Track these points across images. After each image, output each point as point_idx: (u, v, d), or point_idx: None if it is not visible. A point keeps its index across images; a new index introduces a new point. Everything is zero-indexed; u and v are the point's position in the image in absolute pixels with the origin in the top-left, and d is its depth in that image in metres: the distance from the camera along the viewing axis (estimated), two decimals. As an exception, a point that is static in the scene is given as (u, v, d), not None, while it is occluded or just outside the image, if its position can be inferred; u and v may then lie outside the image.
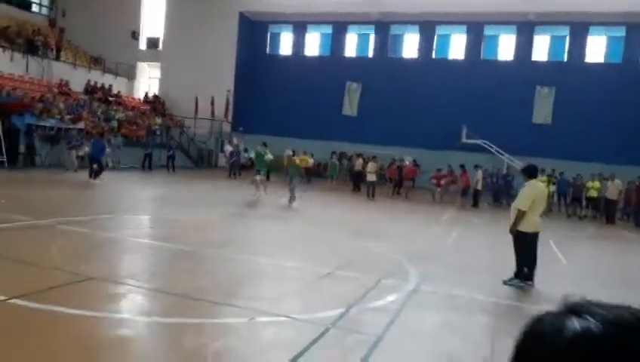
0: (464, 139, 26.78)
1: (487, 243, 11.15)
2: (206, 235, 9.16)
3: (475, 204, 19.67)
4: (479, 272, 7.93)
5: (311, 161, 25.57)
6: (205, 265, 7.10)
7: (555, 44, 28.01)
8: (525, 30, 27.80)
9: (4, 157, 18.09)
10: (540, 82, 25.67)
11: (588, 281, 8.10)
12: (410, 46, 30.53)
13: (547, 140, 25.11)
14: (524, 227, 6.97)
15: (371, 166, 19.71)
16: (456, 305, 6.03)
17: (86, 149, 18.98)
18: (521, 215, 6.91)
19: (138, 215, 11.43)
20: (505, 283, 7.04)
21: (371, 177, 19.23)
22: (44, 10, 35.51)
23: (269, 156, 16.34)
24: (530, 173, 7.31)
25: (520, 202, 7.00)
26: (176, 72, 32.38)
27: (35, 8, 34.95)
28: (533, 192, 7.05)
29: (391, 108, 28.47)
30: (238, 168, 24.66)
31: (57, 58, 28.30)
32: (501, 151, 26.10)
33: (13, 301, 4.63)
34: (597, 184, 18.84)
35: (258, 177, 15.73)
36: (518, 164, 23.78)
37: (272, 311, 5.07)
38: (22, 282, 5.32)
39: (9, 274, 5.66)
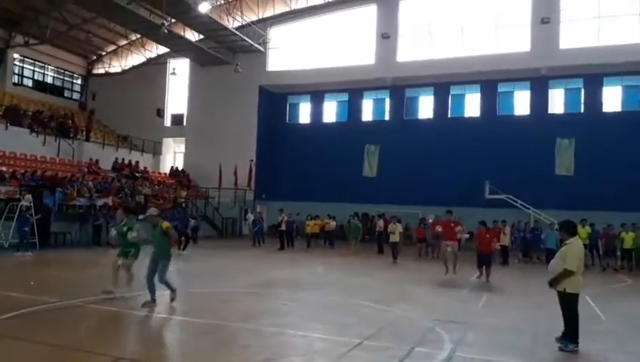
0: (488, 195, 26.53)
1: (520, 303, 10.75)
2: (233, 308, 9.06)
3: (505, 261, 19.15)
4: (515, 334, 7.60)
5: (333, 223, 25.54)
6: (233, 339, 6.97)
7: (571, 96, 28.18)
8: (539, 85, 28.10)
9: (36, 238, 18.48)
10: (559, 134, 25.66)
11: (629, 338, 7.68)
12: (425, 107, 31.06)
13: (572, 191, 24.71)
14: (573, 288, 6.63)
15: (392, 227, 18.93)
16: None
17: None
18: (567, 275, 6.58)
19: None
20: (558, 340, 6.71)
21: (394, 238, 18.53)
22: (75, 95, 37.41)
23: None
24: (571, 230, 6.98)
25: (569, 262, 6.61)
26: (200, 145, 33.40)
27: (67, 94, 36.87)
28: (578, 251, 6.76)
29: (411, 167, 28.61)
30: (262, 236, 24.67)
31: (87, 139, 29.48)
32: (526, 205, 25.72)
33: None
34: (631, 234, 18.21)
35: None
36: (546, 217, 23.35)
37: None
38: None
39: (38, 360, 5.63)
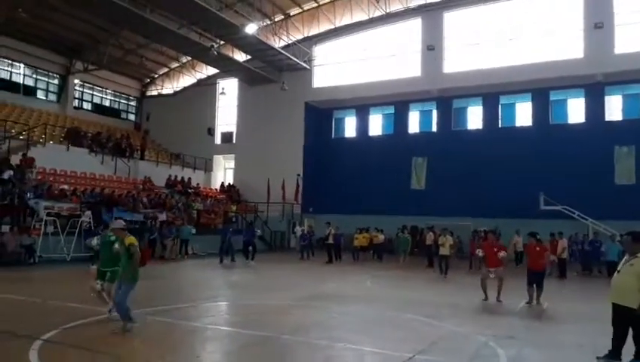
0: (543, 206, 25.59)
1: (580, 319, 10.24)
2: (283, 320, 9.08)
3: (563, 274, 18.36)
4: (575, 351, 7.23)
5: (381, 237, 25.26)
6: (284, 352, 6.97)
7: (629, 102, 26.89)
8: (595, 91, 27.01)
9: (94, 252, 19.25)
10: (618, 142, 24.49)
11: None
12: (474, 117, 30.41)
13: (633, 201, 23.46)
14: None
15: (442, 239, 18.23)
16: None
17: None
18: None
19: (216, 302, 11.59)
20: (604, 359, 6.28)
21: (444, 251, 17.88)
22: (131, 116, 39.01)
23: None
24: None
25: None
26: (248, 161, 34.05)
27: (123, 115, 38.52)
28: None
29: (460, 179, 27.99)
30: (311, 249, 24.71)
31: (142, 157, 30.59)
32: (584, 216, 24.62)
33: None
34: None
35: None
36: (605, 228, 22.25)
37: None
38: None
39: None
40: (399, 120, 32.05)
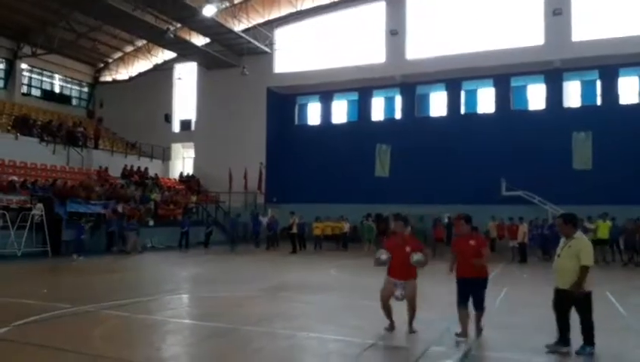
0: (504, 192, 26.38)
1: (539, 301, 10.69)
2: (247, 311, 9.12)
3: (524, 259, 19.04)
4: (533, 333, 7.57)
5: (346, 225, 25.53)
6: (246, 342, 7.03)
7: (586, 88, 27.92)
8: (553, 78, 27.90)
9: (48, 246, 18.77)
10: (575, 128, 25.42)
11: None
12: (437, 104, 30.95)
13: (590, 185, 24.45)
14: (591, 285, 6.24)
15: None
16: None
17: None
18: (586, 272, 6.12)
19: (178, 294, 11.53)
20: (552, 350, 6.32)
21: None
22: (83, 103, 37.87)
23: None
24: (576, 222, 6.55)
25: (586, 258, 6.15)
26: (209, 149, 33.66)
27: (75, 102, 37.34)
28: (589, 244, 6.36)
29: (424, 166, 28.53)
30: (276, 240, 24.81)
31: (96, 147, 29.83)
32: (543, 201, 25.52)
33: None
34: (651, 228, 18.02)
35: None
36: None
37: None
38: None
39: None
40: (363, 106, 32.29)
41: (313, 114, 34.13)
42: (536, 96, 28.92)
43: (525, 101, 29.18)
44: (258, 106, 32.61)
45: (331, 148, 31.25)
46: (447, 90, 30.41)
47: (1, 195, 19.31)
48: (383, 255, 7.24)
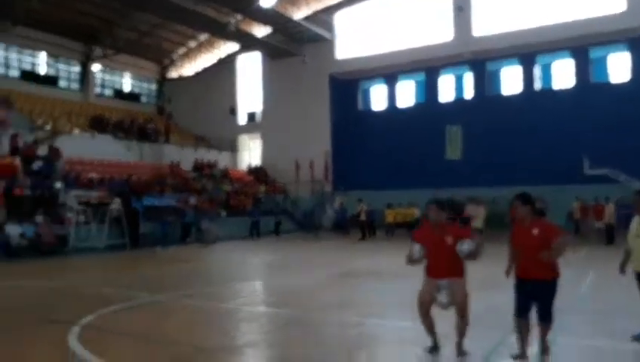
0: (587, 171, 25.02)
1: (630, 285, 10.07)
2: (317, 298, 9.23)
3: (610, 241, 18.01)
4: (624, 319, 7.14)
5: (416, 211, 25.10)
6: (318, 329, 7.12)
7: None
8: (638, 45, 26.00)
9: (127, 239, 19.87)
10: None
11: None
12: (509, 80, 29.73)
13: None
14: None
15: (474, 209, 17.36)
16: (599, 358, 5.46)
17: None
18: None
19: (250, 282, 11.86)
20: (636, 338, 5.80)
21: (476, 223, 16.90)
22: (152, 100, 39.54)
23: None
24: None
25: None
26: (274, 140, 34.23)
27: (144, 99, 39.06)
28: None
29: (497, 146, 27.55)
30: (345, 227, 24.94)
31: (167, 141, 31.12)
32: (630, 179, 23.97)
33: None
34: None
35: None
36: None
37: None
38: (144, 358, 5.67)
39: (133, 351, 6.07)
40: (430, 87, 31.59)
41: (378, 98, 33.80)
42: (618, 67, 27.08)
43: (606, 73, 27.42)
44: (321, 94, 32.72)
45: (398, 132, 30.83)
46: (520, 64, 29.12)
47: (82, 192, 20.59)
48: (415, 249, 5.61)
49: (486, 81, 30.04)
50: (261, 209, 27.15)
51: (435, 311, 5.52)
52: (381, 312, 7.96)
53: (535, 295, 5.25)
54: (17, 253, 16.35)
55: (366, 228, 23.24)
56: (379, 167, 30.90)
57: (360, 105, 34.01)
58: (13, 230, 16.72)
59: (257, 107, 36.33)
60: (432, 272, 5.55)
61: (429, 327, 5.60)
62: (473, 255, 5.33)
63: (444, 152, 28.43)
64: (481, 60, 29.65)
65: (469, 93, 30.60)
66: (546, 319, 5.29)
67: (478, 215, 17.34)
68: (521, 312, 5.32)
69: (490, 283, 8.24)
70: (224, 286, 11.08)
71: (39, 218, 17.71)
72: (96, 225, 19.50)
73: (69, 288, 10.98)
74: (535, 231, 5.25)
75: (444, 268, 5.43)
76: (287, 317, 7.83)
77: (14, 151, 20.42)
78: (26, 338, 6.67)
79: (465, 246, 5.33)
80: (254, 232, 24.31)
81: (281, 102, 34.00)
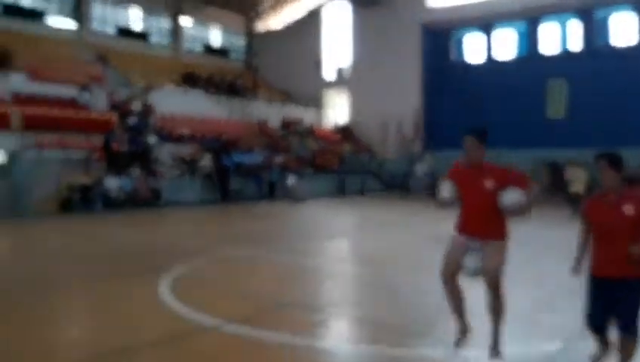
0: None
1: None
2: (403, 260, 9.18)
3: None
4: None
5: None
6: (405, 291, 7.08)
7: None
8: None
9: (218, 194, 20.83)
10: None
11: None
12: (620, 30, 27.09)
13: None
14: None
15: (572, 173, 16.26)
16: None
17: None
18: None
19: (336, 240, 12.02)
20: None
21: (575, 188, 15.92)
22: (240, 56, 40.24)
23: None
24: None
25: None
26: (361, 95, 33.83)
27: (232, 55, 39.86)
28: None
29: (606, 104, 25.43)
30: (432, 188, 24.44)
31: (254, 97, 31.77)
32: None
33: (222, 327, 5.18)
34: None
35: None
36: None
37: (475, 343, 4.79)
38: (231, 309, 5.93)
39: (219, 301, 6.37)
40: (531, 37, 29.56)
41: (473, 50, 32.19)
42: None
43: None
44: (412, 46, 31.69)
45: (495, 86, 29.30)
46: (633, 11, 26.38)
47: (174, 147, 21.67)
48: (445, 188, 4.56)
49: (594, 30, 27.58)
50: (346, 168, 27.23)
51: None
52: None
53: (618, 297, 3.73)
54: (115, 205, 17.64)
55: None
56: (472, 124, 29.61)
57: (453, 58, 32.61)
58: (111, 183, 18.02)
59: (345, 61, 35.93)
60: (462, 226, 4.40)
61: (455, 306, 4.41)
62: (520, 210, 4.13)
63: (546, 110, 26.79)
64: (589, 6, 27.16)
65: (574, 44, 28.29)
66: (629, 330, 3.69)
67: (578, 179, 16.23)
68: (597, 320, 3.89)
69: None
70: (310, 243, 11.33)
71: (135, 172, 18.91)
72: (188, 180, 20.55)
73: (161, 239, 11.73)
74: (627, 209, 3.72)
75: (479, 223, 4.27)
76: (370, 278, 7.87)
77: (111, 107, 21.78)
78: (120, 285, 7.22)
79: (508, 197, 4.11)
80: (340, 191, 24.52)
81: (369, 56, 33.35)
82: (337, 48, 36.19)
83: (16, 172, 16.78)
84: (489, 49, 31.05)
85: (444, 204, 4.56)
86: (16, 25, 26.02)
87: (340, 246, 11.56)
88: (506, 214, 4.22)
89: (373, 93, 32.61)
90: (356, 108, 34.75)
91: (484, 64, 31.03)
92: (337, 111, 37.28)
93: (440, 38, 32.20)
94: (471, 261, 4.24)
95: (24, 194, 16.32)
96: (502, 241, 4.25)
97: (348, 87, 35.40)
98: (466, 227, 4.36)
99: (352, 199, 23.93)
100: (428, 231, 13.09)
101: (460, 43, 32.58)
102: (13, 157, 17.25)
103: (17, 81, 19.88)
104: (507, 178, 4.26)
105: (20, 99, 19.18)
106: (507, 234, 4.30)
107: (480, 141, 4.50)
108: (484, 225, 4.26)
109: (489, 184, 4.25)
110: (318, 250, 10.69)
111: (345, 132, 33.71)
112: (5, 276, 8.03)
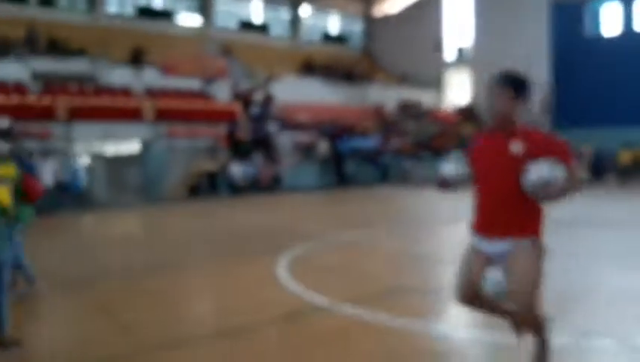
0: None
1: None
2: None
3: None
4: None
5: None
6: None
7: None
8: None
9: (336, 178, 21.26)
10: None
11: None
12: None
13: None
14: None
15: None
16: None
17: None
18: None
19: (455, 225, 11.71)
20: None
21: None
22: (357, 42, 40.29)
23: None
24: None
25: None
26: (484, 74, 32.33)
27: (349, 41, 40.03)
28: None
29: None
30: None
31: (371, 82, 31.73)
32: None
33: (339, 308, 5.28)
34: None
35: None
36: None
37: (605, 331, 4.43)
38: (347, 291, 6.03)
39: (334, 283, 6.50)
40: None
41: (609, 20, 29.33)
42: None
43: None
44: (539, 22, 29.64)
45: (634, 59, 26.57)
46: None
47: (293, 134, 22.39)
48: (450, 166, 3.51)
49: None
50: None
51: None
52: (608, 262, 7.17)
53: None
54: (239, 190, 18.68)
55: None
56: (609, 100, 27.20)
57: (586, 31, 29.97)
58: (235, 170, 19.10)
59: (465, 41, 34.55)
60: (477, 223, 3.14)
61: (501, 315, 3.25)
62: (558, 189, 2.82)
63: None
64: None
65: None
66: None
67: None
68: None
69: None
70: (425, 229, 11.15)
71: (257, 158, 19.86)
72: (306, 166, 21.16)
73: (281, 223, 12.22)
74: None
75: (500, 213, 2.99)
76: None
77: (235, 97, 22.99)
78: (241, 265, 7.65)
79: (539, 168, 2.83)
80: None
81: (493, 33, 31.72)
82: (458, 27, 34.92)
83: (149, 160, 18.41)
84: (629, 20, 28.14)
85: (445, 185, 3.40)
86: (149, 25, 28.46)
87: (458, 231, 11.23)
88: (532, 196, 2.89)
89: (496, 70, 31.01)
90: (479, 87, 33.33)
91: (623, 37, 28.22)
92: (458, 91, 36.07)
93: (572, 9, 29.74)
94: (492, 278, 3.00)
95: (156, 181, 17.87)
96: (534, 240, 2.98)
97: (470, 65, 34.06)
98: (481, 223, 3.07)
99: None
100: (557, 215, 12.27)
101: (595, 15, 29.87)
102: (146, 146, 18.91)
103: (150, 77, 21.66)
104: (545, 144, 2.97)
105: (153, 93, 20.89)
106: (541, 229, 3.04)
107: (515, 92, 3.13)
108: (507, 216, 2.96)
109: (516, 148, 2.94)
110: (435, 234, 10.49)
111: (466, 112, 32.53)
112: (140, 257, 8.86)
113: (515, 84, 3.15)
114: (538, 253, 2.97)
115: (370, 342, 4.48)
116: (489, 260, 3.05)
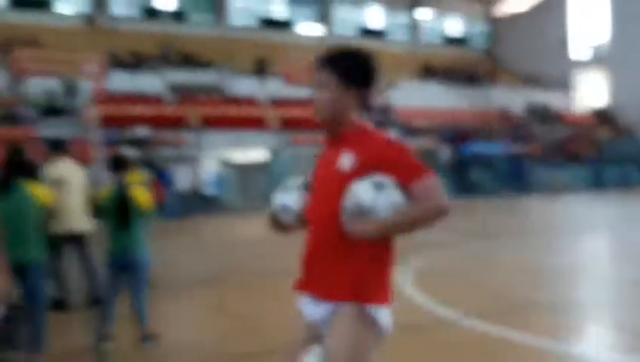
0: None
1: None
2: None
3: None
4: None
5: None
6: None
7: None
8: None
9: (458, 185, 20.67)
10: None
11: None
12: None
13: None
14: None
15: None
16: None
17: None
18: None
19: (592, 236, 10.93)
20: None
21: None
22: (479, 43, 38.94)
23: None
24: None
25: None
26: (625, 76, 29.80)
27: (471, 42, 38.79)
28: None
29: None
30: None
31: (494, 84, 30.50)
32: None
33: (464, 321, 5.12)
34: None
35: None
36: None
37: None
38: (473, 304, 5.81)
39: (463, 296, 6.28)
40: None
41: None
42: None
43: None
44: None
45: None
46: None
47: (412, 139, 22.15)
48: (284, 194, 2.51)
49: None
50: (604, 157, 24.32)
51: None
52: None
53: None
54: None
55: None
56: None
57: None
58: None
59: (601, 38, 31.97)
60: (300, 276, 2.23)
61: None
62: (378, 228, 1.99)
63: None
64: None
65: None
66: None
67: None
68: None
69: None
70: (560, 238, 10.52)
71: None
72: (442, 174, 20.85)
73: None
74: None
75: (322, 260, 2.11)
76: (634, 278, 6.92)
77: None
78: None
79: (355, 194, 1.98)
80: (597, 183, 21.99)
81: (633, 30, 29.06)
82: (591, 25, 32.46)
83: (275, 167, 19.20)
84: None
85: (275, 223, 2.46)
86: (271, 35, 29.80)
87: (596, 243, 10.44)
88: (348, 229, 1.99)
89: (634, 69, 28.47)
90: (617, 88, 30.70)
91: None
92: (592, 93, 33.49)
93: None
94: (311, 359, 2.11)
95: (282, 187, 18.60)
96: (363, 307, 2.01)
97: (606, 65, 31.50)
98: (303, 275, 2.19)
99: (611, 192, 21.28)
100: None
101: None
102: (273, 154, 19.75)
103: (274, 87, 22.60)
104: (380, 152, 2.05)
105: (277, 102, 21.76)
106: (383, 289, 2.08)
107: (345, 78, 2.21)
108: (327, 264, 2.07)
109: (345, 162, 2.07)
110: (570, 246, 9.83)
111: (602, 116, 30.09)
112: (269, 260, 9.24)
113: (342, 67, 2.20)
114: (366, 326, 1.97)
115: (501, 359, 4.30)
116: (314, 330, 2.10)
